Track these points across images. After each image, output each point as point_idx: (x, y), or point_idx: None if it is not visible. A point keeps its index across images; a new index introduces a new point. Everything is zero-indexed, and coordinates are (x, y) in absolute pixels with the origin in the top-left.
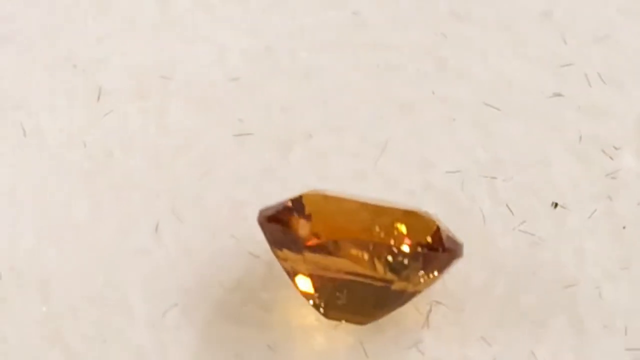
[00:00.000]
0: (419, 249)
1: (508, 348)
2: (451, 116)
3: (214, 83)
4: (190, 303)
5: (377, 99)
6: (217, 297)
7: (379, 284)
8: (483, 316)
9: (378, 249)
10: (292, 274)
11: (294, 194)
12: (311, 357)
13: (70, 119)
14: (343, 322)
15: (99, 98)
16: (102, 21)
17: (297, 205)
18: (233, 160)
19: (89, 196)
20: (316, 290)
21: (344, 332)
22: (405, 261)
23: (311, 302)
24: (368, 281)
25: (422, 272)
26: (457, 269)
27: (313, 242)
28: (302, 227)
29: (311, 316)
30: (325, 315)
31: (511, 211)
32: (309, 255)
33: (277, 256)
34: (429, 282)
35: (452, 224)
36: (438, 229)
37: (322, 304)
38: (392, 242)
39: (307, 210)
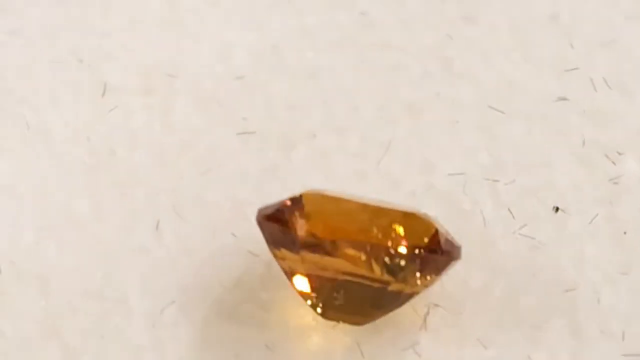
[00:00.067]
0: (416, 251)
1: (505, 351)
2: (455, 118)
3: (219, 81)
4: (189, 301)
5: (382, 100)
6: (215, 295)
7: (376, 284)
8: (481, 319)
9: (375, 250)
10: (289, 274)
11: (296, 193)
12: (308, 357)
13: (74, 115)
14: (340, 322)
15: (104, 94)
16: (108, 17)
17: (296, 204)
18: (235, 159)
19: (91, 192)
20: (313, 290)
21: (341, 333)
22: (402, 263)
23: (309, 302)
24: (365, 282)
25: (418, 274)
26: (456, 271)
27: (310, 241)
28: (300, 227)
29: (309, 316)
30: (323, 315)
31: (512, 214)
32: (306, 254)
33: (275, 255)
34: (426, 284)
35: (452, 226)
36: (436, 231)
37: (320, 304)
38: (389, 243)
39: (306, 209)
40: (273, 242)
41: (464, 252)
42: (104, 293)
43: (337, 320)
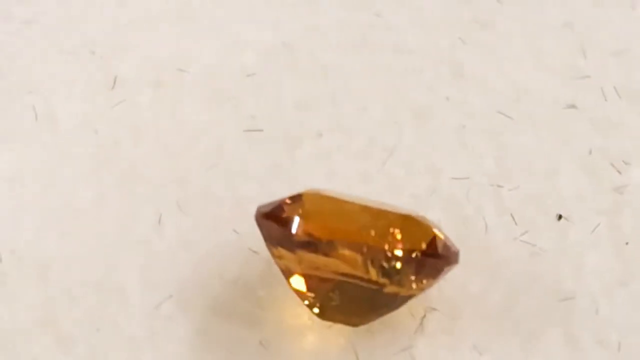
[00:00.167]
0: (413, 255)
1: (499, 358)
2: (462, 123)
3: (229, 78)
4: (186, 295)
5: (391, 102)
6: (213, 291)
7: (372, 286)
8: (477, 325)
9: (371, 252)
10: (286, 273)
11: (297, 192)
12: (302, 356)
13: (83, 106)
14: (336, 323)
15: (113, 86)
16: (123, 9)
17: (295, 203)
18: (241, 156)
19: (95, 183)
20: (309, 290)
21: (337, 333)
22: (398, 265)
23: (306, 302)
24: (361, 283)
25: (414, 278)
26: (455, 275)
27: (307, 241)
28: (297, 226)
29: (305, 316)
30: (320, 315)
31: (514, 220)
32: (302, 254)
33: (273, 254)
34: (422, 288)
35: (453, 231)
36: (434, 235)
37: (315, 304)
38: (386, 246)
39: (305, 209)
40: (271, 240)
41: (463, 256)
42: (103, 284)
43: (334, 321)
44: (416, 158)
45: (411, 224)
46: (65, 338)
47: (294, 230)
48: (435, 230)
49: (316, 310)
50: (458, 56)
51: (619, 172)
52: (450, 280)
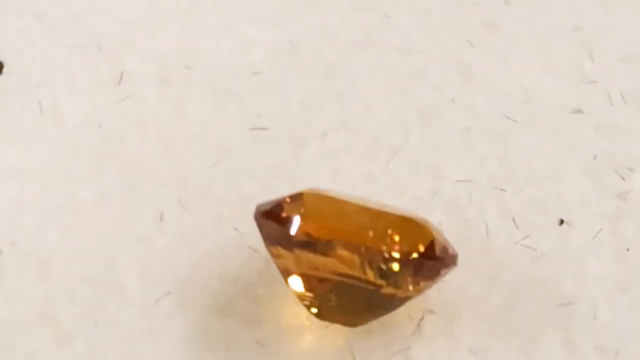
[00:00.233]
0: (410, 257)
1: None
2: (467, 125)
3: (235, 76)
4: (185, 293)
5: (397, 103)
6: (211, 288)
7: (369, 287)
8: (475, 328)
9: (369, 253)
10: (284, 272)
11: (297, 191)
12: (299, 355)
13: (88, 101)
14: (334, 323)
15: (120, 82)
16: (130, 5)
17: (295, 202)
18: (245, 154)
19: (97, 178)
20: (307, 289)
21: (334, 334)
22: (395, 267)
23: (305, 302)
24: (358, 284)
25: (411, 280)
26: (454, 278)
27: (305, 240)
28: (295, 225)
29: (302, 315)
30: (316, 315)
31: (516, 224)
32: (300, 253)
33: (271, 253)
34: (420, 290)
35: (454, 233)
36: (433, 238)
37: (313, 304)
38: (384, 247)
39: (304, 208)
40: (269, 240)
41: (463, 259)
42: (102, 280)
43: (331, 321)
44: (420, 159)
45: (410, 226)
46: (64, 333)
47: (293, 230)
48: (434, 233)
49: (314, 310)
50: (465, 58)
51: (623, 178)
52: (449, 283)
